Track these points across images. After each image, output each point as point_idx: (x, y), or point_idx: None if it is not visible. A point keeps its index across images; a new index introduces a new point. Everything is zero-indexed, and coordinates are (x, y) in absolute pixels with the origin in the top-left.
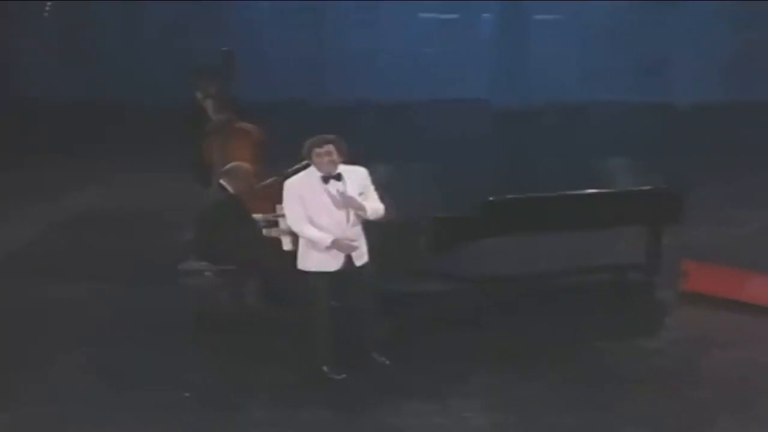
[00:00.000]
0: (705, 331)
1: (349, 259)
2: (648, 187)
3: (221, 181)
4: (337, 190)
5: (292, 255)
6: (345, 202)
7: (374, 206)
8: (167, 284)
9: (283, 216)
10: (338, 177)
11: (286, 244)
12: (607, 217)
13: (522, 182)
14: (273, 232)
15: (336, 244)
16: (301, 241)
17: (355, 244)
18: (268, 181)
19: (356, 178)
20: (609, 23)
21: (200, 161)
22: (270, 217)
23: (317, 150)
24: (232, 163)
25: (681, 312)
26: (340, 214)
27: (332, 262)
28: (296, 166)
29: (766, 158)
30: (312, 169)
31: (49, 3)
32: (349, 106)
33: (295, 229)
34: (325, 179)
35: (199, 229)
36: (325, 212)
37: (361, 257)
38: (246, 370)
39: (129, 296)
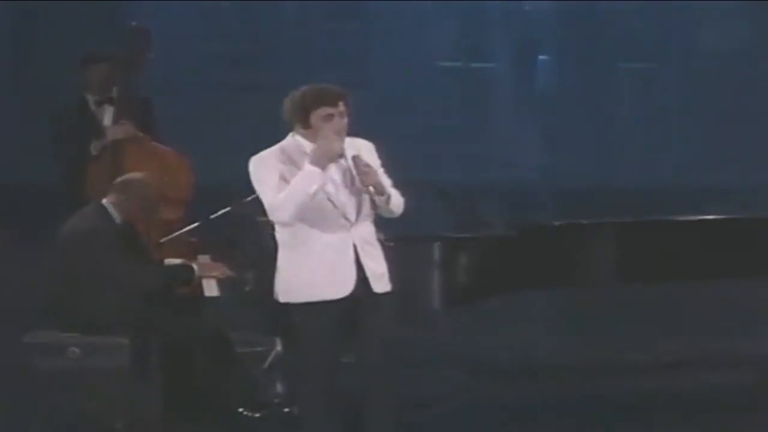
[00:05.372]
0: None
1: (363, 280)
2: None
3: (105, 202)
4: (352, 157)
5: (219, 314)
6: (361, 174)
7: (396, 193)
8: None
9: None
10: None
11: (210, 289)
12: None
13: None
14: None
15: (323, 149)
16: (282, 257)
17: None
18: (186, 229)
19: (363, 155)
20: (719, 73)
21: (82, 197)
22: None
23: (327, 110)
24: (127, 175)
25: None
26: (347, 202)
27: (335, 286)
28: (219, 212)
29: None
30: (295, 143)
31: None
32: None
33: (268, 205)
34: None
35: (61, 278)
36: (333, 198)
37: (381, 279)
38: None
39: None
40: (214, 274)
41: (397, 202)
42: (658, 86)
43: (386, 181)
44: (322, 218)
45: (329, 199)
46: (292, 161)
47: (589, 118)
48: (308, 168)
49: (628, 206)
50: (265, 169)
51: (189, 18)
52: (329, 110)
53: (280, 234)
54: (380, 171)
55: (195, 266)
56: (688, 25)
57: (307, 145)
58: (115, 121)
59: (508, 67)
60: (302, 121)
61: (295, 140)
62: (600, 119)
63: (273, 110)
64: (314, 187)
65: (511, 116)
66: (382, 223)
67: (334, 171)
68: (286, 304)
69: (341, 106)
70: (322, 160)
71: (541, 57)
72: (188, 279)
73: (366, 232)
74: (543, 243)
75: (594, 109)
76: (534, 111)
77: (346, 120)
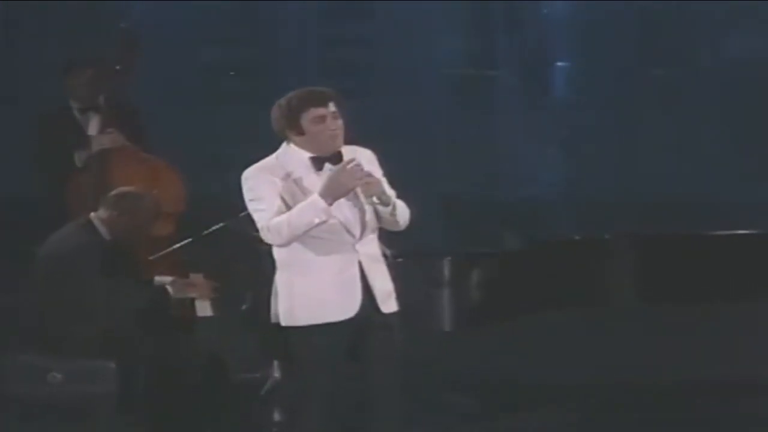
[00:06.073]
0: None
1: (369, 300)
2: None
3: (93, 216)
4: (355, 163)
5: (213, 335)
6: (367, 184)
7: (402, 204)
8: None
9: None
10: (339, 157)
11: (203, 309)
12: None
13: None
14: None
15: (338, 183)
16: (281, 278)
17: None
18: (177, 245)
19: (363, 163)
20: (752, 80)
21: (66, 211)
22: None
23: (317, 111)
24: (121, 189)
25: None
26: (350, 216)
27: (340, 306)
28: (214, 228)
29: None
30: (290, 152)
31: None
32: None
33: (262, 226)
34: (319, 161)
35: (43, 297)
36: (335, 211)
37: (388, 298)
38: None
39: None
40: (192, 294)
41: (402, 213)
42: (684, 94)
43: (390, 192)
44: (324, 235)
45: (331, 214)
46: (289, 173)
47: (611, 128)
48: (315, 199)
49: (652, 220)
50: (261, 186)
51: (181, 21)
52: (320, 111)
53: (278, 252)
54: (383, 181)
55: (169, 288)
56: (718, 29)
57: (304, 154)
58: (102, 129)
59: (523, 74)
60: (293, 127)
61: (290, 149)
62: (622, 129)
63: (270, 120)
64: (317, 221)
65: (527, 126)
66: (389, 237)
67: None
68: (287, 328)
69: (332, 107)
70: (332, 194)
71: (559, 63)
72: (164, 302)
73: (372, 249)
74: (561, 259)
75: (615, 119)
76: (551, 120)
77: (340, 122)
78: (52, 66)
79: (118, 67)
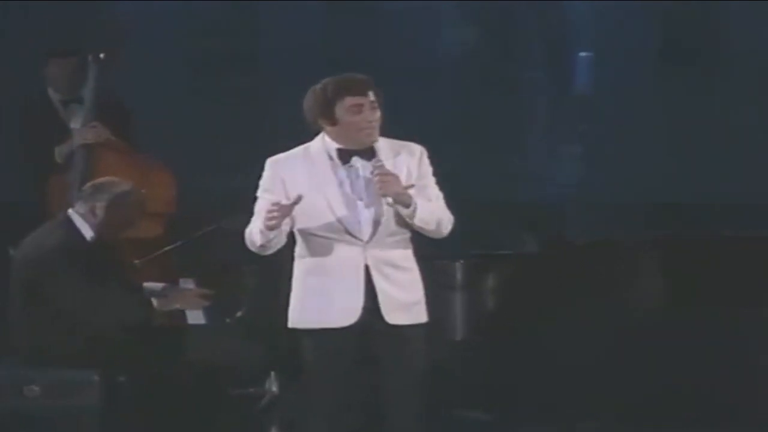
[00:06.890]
0: None
1: (372, 306)
2: None
3: (71, 212)
4: (373, 161)
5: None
6: (382, 182)
7: (431, 207)
8: None
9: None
10: (371, 152)
11: (194, 316)
12: None
13: None
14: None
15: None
16: (295, 274)
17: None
18: (166, 248)
19: (402, 160)
20: None
21: (45, 212)
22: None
23: (354, 100)
24: (99, 179)
25: None
26: (360, 216)
27: (339, 313)
28: (206, 230)
29: None
30: (320, 143)
31: None
32: None
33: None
34: (346, 154)
35: (19, 303)
36: (336, 210)
37: (405, 309)
38: None
39: None
40: (175, 306)
41: (430, 218)
42: (712, 89)
43: (433, 193)
44: (326, 234)
45: (332, 212)
46: (311, 162)
47: (634, 125)
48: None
49: (676, 223)
50: (269, 181)
51: (176, 13)
52: (357, 100)
53: (296, 248)
54: (431, 181)
55: (154, 300)
56: (744, 25)
57: (333, 145)
58: (85, 123)
59: (541, 66)
60: (327, 116)
61: (322, 141)
62: (646, 126)
63: (268, 117)
64: (259, 243)
65: (545, 125)
66: None
67: (344, 178)
68: (293, 330)
69: (371, 96)
70: (272, 222)
71: (581, 54)
72: (151, 310)
73: (387, 254)
74: (581, 262)
75: (638, 115)
76: (570, 120)
77: (378, 114)
78: (32, 55)
79: (102, 56)
